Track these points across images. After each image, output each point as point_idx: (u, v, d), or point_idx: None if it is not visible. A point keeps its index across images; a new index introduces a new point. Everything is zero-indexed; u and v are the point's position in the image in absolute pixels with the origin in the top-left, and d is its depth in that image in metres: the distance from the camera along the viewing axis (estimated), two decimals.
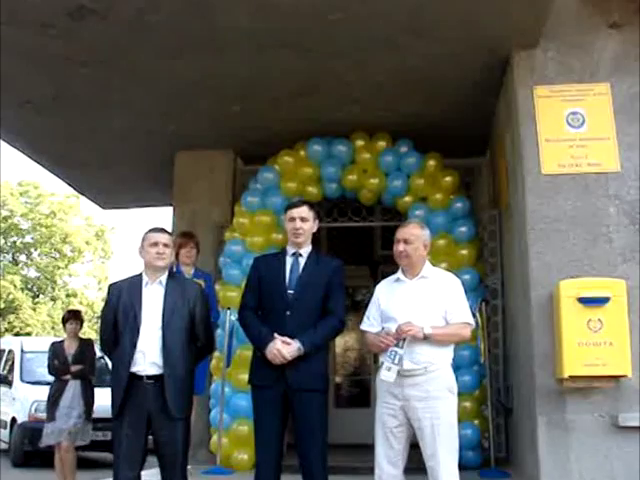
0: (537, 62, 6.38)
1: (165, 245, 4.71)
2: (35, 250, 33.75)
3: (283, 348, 4.38)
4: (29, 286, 33.29)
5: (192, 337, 4.69)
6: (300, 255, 4.69)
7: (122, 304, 4.63)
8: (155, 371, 4.52)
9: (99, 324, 5.04)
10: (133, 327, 4.55)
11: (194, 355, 4.75)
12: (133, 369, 4.50)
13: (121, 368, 4.54)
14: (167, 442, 4.52)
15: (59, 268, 33.86)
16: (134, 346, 4.52)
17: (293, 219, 4.69)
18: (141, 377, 4.51)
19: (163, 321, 4.56)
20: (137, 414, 4.49)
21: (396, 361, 4.27)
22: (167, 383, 4.49)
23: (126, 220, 63.77)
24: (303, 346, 4.40)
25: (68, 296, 34.22)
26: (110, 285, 4.90)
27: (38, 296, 33.49)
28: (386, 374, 4.31)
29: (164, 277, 4.73)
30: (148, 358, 4.51)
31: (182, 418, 4.57)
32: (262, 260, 4.94)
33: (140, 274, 4.78)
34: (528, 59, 6.39)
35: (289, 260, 4.70)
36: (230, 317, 7.42)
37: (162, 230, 4.83)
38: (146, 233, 4.79)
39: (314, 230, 4.78)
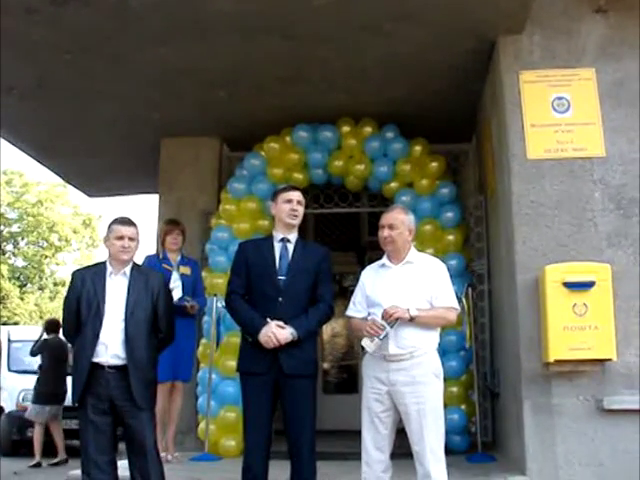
0: (523, 47, 6.37)
1: (131, 239, 4.68)
2: (22, 239, 33.55)
3: (277, 332, 4.39)
4: (16, 275, 33.12)
5: (154, 328, 4.70)
6: (288, 241, 4.69)
7: (86, 293, 4.60)
8: (117, 362, 4.53)
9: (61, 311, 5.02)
10: (96, 318, 4.54)
11: (156, 346, 4.76)
12: (95, 360, 4.51)
13: (83, 358, 4.54)
14: (133, 430, 4.54)
15: (46, 257, 33.68)
16: (97, 337, 4.51)
17: (290, 201, 4.69)
18: (103, 366, 4.52)
19: (126, 314, 4.56)
20: (99, 400, 4.51)
21: (381, 336, 4.27)
22: (131, 375, 4.50)
23: (113, 208, 63.27)
24: (297, 332, 4.41)
25: (56, 285, 34.06)
26: (74, 272, 4.87)
27: (25, 285, 33.32)
28: (367, 343, 4.31)
29: (128, 268, 4.71)
30: (110, 350, 4.52)
31: (147, 408, 4.60)
32: (249, 245, 4.92)
33: (104, 263, 4.77)
34: (514, 44, 6.38)
35: (277, 246, 4.68)
36: (217, 304, 7.41)
37: (129, 222, 4.77)
38: (112, 224, 4.74)
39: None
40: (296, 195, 4.73)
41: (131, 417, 4.53)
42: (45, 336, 10.42)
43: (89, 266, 4.91)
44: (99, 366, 4.51)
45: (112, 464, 4.56)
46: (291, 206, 4.69)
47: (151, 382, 4.67)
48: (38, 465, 9.66)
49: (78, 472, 6.40)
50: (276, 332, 4.39)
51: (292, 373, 4.44)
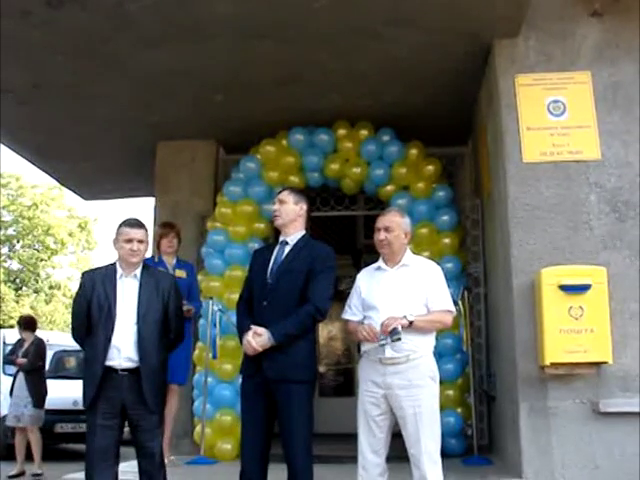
0: (518, 50, 6.38)
1: (140, 241, 4.62)
2: (17, 242, 33.51)
3: (253, 339, 4.35)
4: (12, 278, 33.06)
5: (165, 330, 4.66)
6: (287, 243, 4.64)
7: (96, 295, 4.55)
8: (130, 365, 4.49)
9: (70, 312, 4.97)
10: (108, 321, 4.49)
11: (166, 347, 4.74)
12: (108, 363, 4.46)
13: (95, 363, 4.49)
14: (143, 434, 4.51)
15: (42, 260, 33.63)
16: (109, 340, 4.46)
17: (273, 204, 4.69)
18: (116, 370, 4.48)
19: (138, 316, 4.52)
20: (111, 404, 4.46)
21: (380, 343, 4.29)
22: (144, 377, 4.46)
23: (109, 211, 63.66)
24: (273, 336, 4.32)
25: (51, 288, 34.01)
26: (83, 273, 4.83)
27: (21, 288, 33.26)
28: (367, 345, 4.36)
29: (139, 270, 4.67)
30: (123, 353, 4.47)
31: (157, 412, 4.57)
32: (257, 251, 4.94)
33: (114, 264, 4.71)
34: (510, 47, 6.40)
35: (277, 249, 4.65)
36: (212, 307, 7.41)
37: (137, 225, 4.71)
38: (121, 226, 4.69)
39: (300, 214, 4.67)
40: (276, 198, 4.72)
41: (142, 420, 4.49)
42: (26, 336, 9.82)
43: (99, 267, 4.84)
44: (112, 370, 4.47)
45: (115, 470, 4.53)
46: (273, 208, 4.71)
47: (162, 385, 4.64)
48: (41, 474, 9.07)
49: (74, 475, 6.44)
50: (251, 340, 4.34)
51: (276, 378, 4.36)
